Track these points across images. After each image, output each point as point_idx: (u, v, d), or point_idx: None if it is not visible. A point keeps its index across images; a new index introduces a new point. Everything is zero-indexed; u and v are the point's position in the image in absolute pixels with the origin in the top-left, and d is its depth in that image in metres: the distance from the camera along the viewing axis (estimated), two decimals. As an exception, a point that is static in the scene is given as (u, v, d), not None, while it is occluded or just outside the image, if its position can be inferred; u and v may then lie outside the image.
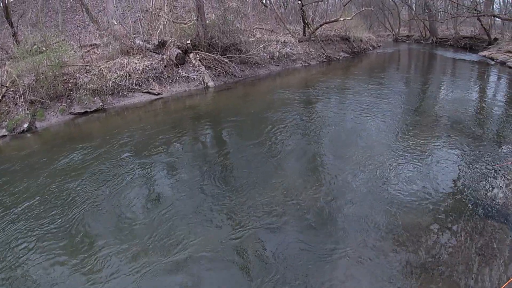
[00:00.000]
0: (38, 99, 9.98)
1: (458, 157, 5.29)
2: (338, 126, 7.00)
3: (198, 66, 10.68)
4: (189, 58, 10.87)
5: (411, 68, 15.47)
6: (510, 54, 13.95)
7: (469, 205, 4.00)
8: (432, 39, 24.44)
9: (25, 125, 9.61)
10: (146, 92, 9.85)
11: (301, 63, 13.85)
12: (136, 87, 9.84)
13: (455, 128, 6.47)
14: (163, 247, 3.70)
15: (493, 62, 14.49)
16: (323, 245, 3.52)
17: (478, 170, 4.83)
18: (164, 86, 10.04)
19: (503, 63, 13.52)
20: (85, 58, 10.45)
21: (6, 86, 10.68)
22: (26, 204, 4.87)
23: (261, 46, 12.40)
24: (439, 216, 3.81)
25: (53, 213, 4.61)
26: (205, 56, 11.00)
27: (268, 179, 4.93)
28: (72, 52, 10.64)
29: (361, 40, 18.66)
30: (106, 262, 3.59)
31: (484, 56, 15.98)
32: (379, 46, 21.36)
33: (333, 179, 4.83)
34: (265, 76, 12.01)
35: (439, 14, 25.35)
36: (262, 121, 7.53)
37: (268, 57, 12.72)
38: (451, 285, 2.90)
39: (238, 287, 3.14)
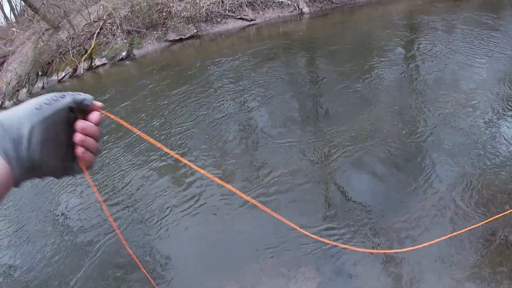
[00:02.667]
0: (135, 29, 10.10)
1: None
2: (444, 66, 5.87)
3: (293, -9, 9.87)
4: (283, -17, 10.08)
5: None
6: None
7: None
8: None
9: (124, 53, 9.83)
10: (239, 18, 9.40)
11: (403, -7, 12.28)
12: (229, 14, 9.43)
13: None
14: (253, 166, 3.59)
15: None
16: (403, 185, 3.05)
17: None
18: (258, 12, 9.48)
19: None
20: (177, -14, 10.22)
21: (103, 19, 10.98)
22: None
23: (358, -28, 11.10)
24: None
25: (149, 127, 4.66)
26: (300, -19, 10.11)
27: (357, 112, 4.36)
28: (164, -19, 10.47)
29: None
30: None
31: None
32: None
33: (426, 122, 4.04)
34: (366, 3, 10.78)
35: None
36: (360, 52, 6.72)
37: (367, -16, 11.39)
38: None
39: (318, 210, 2.90)
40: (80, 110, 0.51)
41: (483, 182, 2.86)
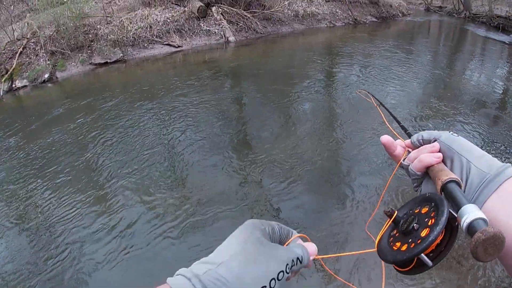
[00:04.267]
0: (59, 50, 9.92)
1: (475, 133, 5.13)
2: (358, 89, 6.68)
3: (220, 20, 10.30)
4: (211, 11, 10.49)
5: (440, 41, 14.56)
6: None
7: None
8: (465, 14, 22.87)
9: (46, 76, 9.59)
10: (166, 44, 9.62)
11: (326, 24, 13.23)
12: (156, 39, 9.62)
13: (473, 107, 6.16)
14: (175, 189, 3.83)
15: (523, 47, 13.48)
16: (328, 199, 3.60)
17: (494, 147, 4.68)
18: (185, 39, 9.77)
19: (536, 48, 12.53)
20: (106, 9, 10.23)
21: (27, 38, 10.65)
22: (46, 150, 4.96)
23: (285, 2, 11.84)
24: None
25: (70, 157, 4.66)
26: (228, 10, 10.59)
27: (281, 137, 4.89)
28: (93, 3, 10.46)
29: (390, 6, 17.66)
30: (117, 198, 3.70)
31: (516, 39, 14.80)
32: (409, 14, 20.19)
33: (346, 144, 4.73)
34: (288, 34, 11.54)
35: (476, -12, 23.63)
36: (282, 79, 7.33)
37: (292, 14, 12.15)
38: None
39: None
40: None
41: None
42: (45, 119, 6.24)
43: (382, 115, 0.87)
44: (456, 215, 0.47)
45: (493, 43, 14.18)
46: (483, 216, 0.44)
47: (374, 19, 15.90)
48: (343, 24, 13.90)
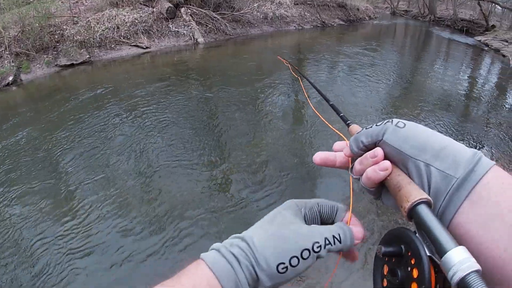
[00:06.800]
0: (24, 51, 9.74)
1: (438, 126, 5.56)
2: (327, 91, 6.97)
3: (189, 21, 10.40)
4: (180, 12, 10.58)
5: (406, 43, 15.23)
6: (505, 43, 13.88)
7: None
8: (430, 17, 23.92)
9: (10, 78, 9.39)
10: (134, 45, 9.63)
11: (294, 26, 13.57)
12: (124, 40, 9.61)
13: (439, 105, 6.63)
14: (145, 194, 3.84)
15: (486, 48, 14.34)
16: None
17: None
18: (153, 40, 9.81)
19: (497, 50, 13.39)
20: (72, 9, 10.14)
21: (-9, 39, 10.40)
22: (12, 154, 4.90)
23: (255, 5, 12.08)
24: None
25: (37, 162, 4.61)
26: (197, 12, 10.71)
27: (250, 139, 5.01)
28: (59, 3, 10.33)
29: (358, 9, 18.25)
30: (88, 209, 3.66)
31: (479, 41, 15.77)
32: (375, 17, 20.89)
33: (311, 142, 4.93)
34: (257, 36, 11.79)
35: (440, -8, 24.78)
36: (251, 81, 7.47)
37: (261, 17, 12.41)
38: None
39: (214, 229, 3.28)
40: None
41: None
42: (9, 124, 6.15)
43: (309, 102, 0.92)
44: (439, 262, 0.36)
45: (458, 44, 14.95)
46: (476, 265, 0.34)
47: (341, 22, 16.39)
48: (312, 26, 14.29)
